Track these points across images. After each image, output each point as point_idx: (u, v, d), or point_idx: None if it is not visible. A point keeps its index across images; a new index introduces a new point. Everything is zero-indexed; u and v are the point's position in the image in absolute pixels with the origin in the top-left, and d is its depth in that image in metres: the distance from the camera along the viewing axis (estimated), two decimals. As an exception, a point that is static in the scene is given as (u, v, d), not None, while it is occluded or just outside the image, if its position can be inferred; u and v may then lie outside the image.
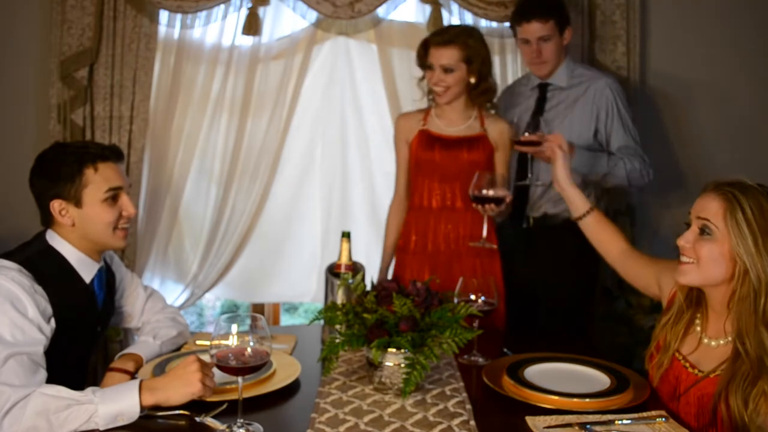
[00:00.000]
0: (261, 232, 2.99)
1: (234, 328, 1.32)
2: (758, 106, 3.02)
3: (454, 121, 2.31)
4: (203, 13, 2.83)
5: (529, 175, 2.29)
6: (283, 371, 1.60)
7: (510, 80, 2.83)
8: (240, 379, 1.34)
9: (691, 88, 2.99)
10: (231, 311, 3.66)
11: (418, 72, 2.36)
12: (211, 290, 3.00)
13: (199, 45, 2.87)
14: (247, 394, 1.44)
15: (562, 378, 1.58)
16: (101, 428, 1.31)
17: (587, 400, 1.45)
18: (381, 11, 2.86)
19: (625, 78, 2.83)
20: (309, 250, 3.08)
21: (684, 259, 1.48)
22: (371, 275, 2.34)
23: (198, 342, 1.87)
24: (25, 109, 2.93)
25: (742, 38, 2.98)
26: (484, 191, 2.03)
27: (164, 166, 2.89)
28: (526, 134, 2.03)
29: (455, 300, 1.65)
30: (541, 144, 2.02)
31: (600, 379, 1.58)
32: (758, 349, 1.36)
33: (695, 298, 1.54)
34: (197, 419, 1.36)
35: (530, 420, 1.37)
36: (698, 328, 1.52)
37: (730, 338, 1.44)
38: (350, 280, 1.67)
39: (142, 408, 1.34)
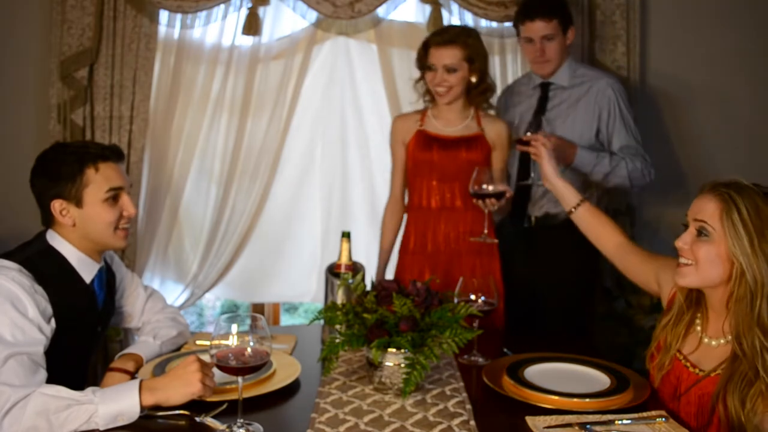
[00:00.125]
0: (261, 232, 3.00)
1: (234, 328, 1.32)
2: (758, 106, 3.02)
3: (452, 121, 2.31)
4: (203, 13, 2.83)
5: (532, 175, 2.29)
6: (283, 371, 1.60)
7: (510, 80, 2.83)
8: (240, 379, 1.34)
9: (691, 88, 3.00)
10: (231, 311, 3.66)
11: (418, 72, 2.36)
12: (211, 290, 3.00)
13: (199, 45, 2.87)
14: (247, 394, 1.44)
15: (562, 378, 1.58)
16: (101, 428, 1.31)
17: (587, 400, 1.45)
18: (381, 11, 2.86)
19: (625, 78, 2.83)
20: (309, 250, 3.08)
21: (682, 260, 1.48)
22: (371, 275, 2.35)
23: (198, 342, 1.87)
24: (25, 109, 2.93)
25: (742, 38, 2.98)
26: (484, 186, 2.03)
27: (164, 166, 2.90)
28: (528, 134, 2.05)
29: (455, 300, 1.65)
30: None
31: (600, 379, 1.58)
32: (754, 350, 1.36)
33: (695, 299, 1.54)
34: (197, 419, 1.36)
35: (530, 420, 1.37)
36: (698, 328, 1.53)
37: (730, 338, 1.44)
38: (350, 280, 1.67)
39: (142, 408, 1.34)
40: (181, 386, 1.37)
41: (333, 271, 1.91)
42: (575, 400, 1.44)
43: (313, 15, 2.85)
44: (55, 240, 1.62)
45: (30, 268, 1.51)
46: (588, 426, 1.33)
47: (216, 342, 1.33)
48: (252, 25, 2.83)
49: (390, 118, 2.84)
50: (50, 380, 1.39)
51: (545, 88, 2.46)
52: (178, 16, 2.82)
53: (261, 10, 2.85)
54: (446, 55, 2.20)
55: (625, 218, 2.87)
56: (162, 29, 2.85)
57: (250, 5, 2.83)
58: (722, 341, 1.47)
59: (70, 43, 2.77)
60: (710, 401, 1.41)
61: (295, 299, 3.42)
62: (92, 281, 1.66)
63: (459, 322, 1.50)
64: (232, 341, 1.33)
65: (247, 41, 2.87)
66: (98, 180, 1.60)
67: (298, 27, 2.89)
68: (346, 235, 1.93)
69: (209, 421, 1.35)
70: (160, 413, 1.37)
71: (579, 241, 1.91)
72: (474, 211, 2.25)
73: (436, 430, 1.34)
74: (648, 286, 1.73)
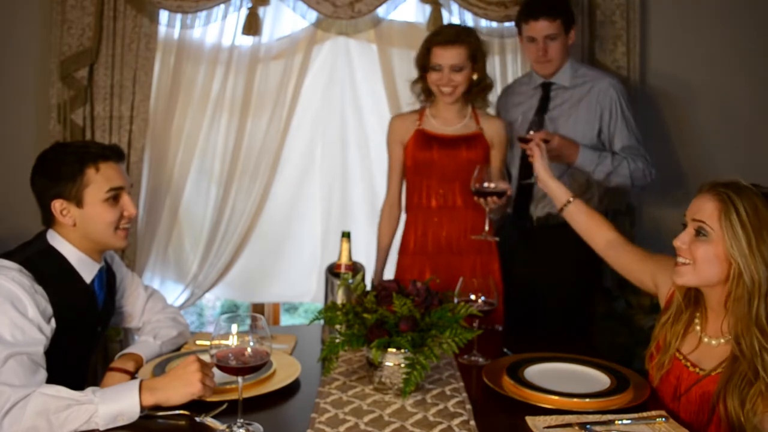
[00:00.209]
0: (261, 232, 3.00)
1: (234, 328, 1.32)
2: (758, 106, 3.02)
3: (450, 121, 2.31)
4: (203, 13, 2.83)
5: (534, 174, 2.29)
6: (283, 371, 1.60)
7: (510, 80, 2.83)
8: (240, 379, 1.34)
9: (691, 88, 3.00)
10: (231, 311, 3.66)
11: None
12: (211, 290, 3.00)
13: (199, 45, 2.87)
14: (247, 394, 1.44)
15: (562, 378, 1.58)
16: (101, 428, 1.31)
17: (587, 400, 1.45)
18: (381, 11, 2.86)
19: (625, 78, 2.83)
20: (309, 250, 3.08)
21: (680, 260, 1.48)
22: (370, 276, 2.35)
23: (198, 342, 1.87)
24: (25, 109, 2.93)
25: (742, 38, 2.98)
26: (486, 184, 2.04)
27: (164, 166, 2.89)
28: (531, 132, 2.05)
29: (455, 300, 1.65)
30: (548, 142, 2.06)
31: (600, 379, 1.58)
32: (753, 350, 1.36)
33: (693, 298, 1.54)
34: (197, 419, 1.36)
35: (530, 420, 1.37)
36: (698, 328, 1.53)
37: (729, 337, 1.44)
38: (350, 280, 1.67)
39: (142, 408, 1.34)
40: (181, 386, 1.37)
41: (333, 271, 1.91)
42: (575, 400, 1.44)
43: (313, 15, 2.85)
44: (56, 240, 1.62)
45: (30, 268, 1.51)
46: (588, 426, 1.33)
47: (216, 342, 1.33)
48: (252, 25, 2.83)
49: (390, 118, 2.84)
50: (50, 380, 1.39)
51: (546, 88, 2.46)
52: (178, 16, 2.82)
53: (261, 10, 2.85)
54: (452, 55, 2.21)
55: (625, 218, 2.87)
56: (162, 29, 2.85)
57: (250, 5, 2.83)
58: (722, 340, 1.47)
59: (70, 43, 2.77)
60: (710, 400, 1.41)
61: (295, 299, 3.42)
62: (92, 281, 1.66)
63: (459, 322, 1.50)
64: (232, 341, 1.33)
65: (247, 41, 2.87)
66: (99, 180, 1.60)
67: (298, 27, 2.89)
68: (346, 235, 1.93)
69: (209, 421, 1.35)
70: (160, 413, 1.37)
71: (580, 240, 1.91)
72: (474, 210, 2.26)
73: (436, 430, 1.34)
74: (643, 284, 1.73)
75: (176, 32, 2.85)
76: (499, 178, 2.06)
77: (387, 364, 1.50)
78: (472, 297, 1.74)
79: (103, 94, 2.81)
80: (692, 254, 1.45)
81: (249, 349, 1.33)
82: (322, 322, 1.59)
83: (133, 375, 1.60)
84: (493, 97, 2.46)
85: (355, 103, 2.99)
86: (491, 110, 2.46)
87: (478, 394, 1.55)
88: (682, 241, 1.47)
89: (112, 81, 2.81)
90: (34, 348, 1.42)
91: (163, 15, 2.83)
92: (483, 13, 2.81)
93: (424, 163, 2.30)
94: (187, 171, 2.92)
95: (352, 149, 3.02)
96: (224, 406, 1.41)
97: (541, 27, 2.33)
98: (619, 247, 1.78)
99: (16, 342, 1.38)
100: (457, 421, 1.38)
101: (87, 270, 1.64)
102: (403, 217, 2.42)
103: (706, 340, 1.50)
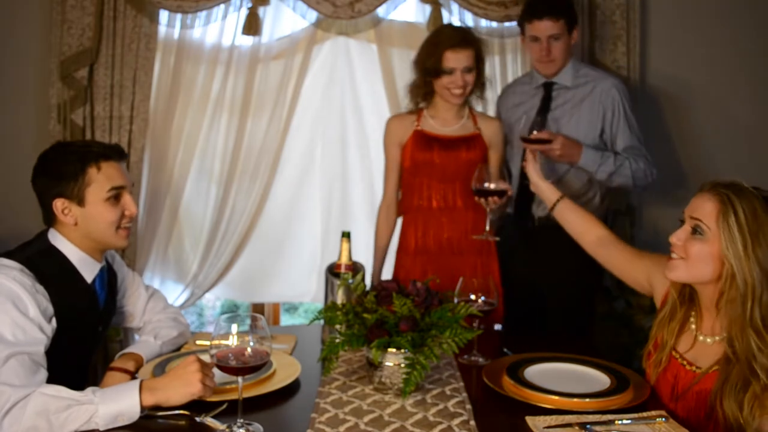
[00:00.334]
0: (261, 232, 3.00)
1: (234, 328, 1.33)
2: (758, 106, 3.02)
3: (449, 121, 2.32)
4: (203, 13, 2.83)
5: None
6: (283, 371, 1.60)
7: (510, 80, 2.83)
8: (240, 379, 1.34)
9: (691, 88, 3.00)
10: (231, 311, 3.66)
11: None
12: (211, 290, 3.00)
13: (199, 45, 2.87)
14: (247, 394, 1.44)
15: (562, 378, 1.58)
16: (101, 428, 1.31)
17: (587, 400, 1.45)
18: (381, 11, 2.86)
19: (625, 78, 2.83)
20: (309, 250, 3.08)
21: (674, 255, 1.49)
22: (370, 276, 2.35)
23: (198, 342, 1.87)
24: (25, 109, 2.93)
25: (742, 38, 2.98)
26: (486, 184, 2.04)
27: (164, 166, 2.89)
28: (534, 132, 2.06)
29: (455, 300, 1.65)
30: (551, 141, 2.06)
31: (600, 379, 1.58)
32: (747, 352, 1.36)
33: (688, 295, 1.55)
34: (197, 419, 1.36)
35: (530, 420, 1.37)
36: (693, 326, 1.53)
37: (724, 335, 1.44)
38: (350, 280, 1.67)
39: (143, 408, 1.35)
40: (181, 386, 1.37)
41: (333, 271, 1.91)
42: (575, 400, 1.45)
43: (313, 15, 2.84)
44: (57, 239, 1.62)
45: (31, 268, 1.51)
46: (588, 426, 1.33)
47: (216, 342, 1.33)
48: (252, 25, 2.83)
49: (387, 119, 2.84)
50: (51, 380, 1.39)
51: (548, 87, 2.46)
52: (178, 16, 2.82)
53: (261, 10, 2.84)
54: (465, 57, 2.21)
55: (625, 218, 2.87)
56: (162, 29, 2.85)
57: (250, 5, 2.83)
58: (717, 338, 1.47)
59: (70, 43, 2.77)
60: (708, 398, 1.42)
61: (295, 299, 3.42)
62: (93, 281, 1.66)
63: (459, 322, 1.50)
64: (232, 341, 1.33)
65: (247, 41, 2.87)
66: (100, 179, 1.60)
67: (298, 27, 2.89)
68: (346, 235, 1.93)
69: (209, 421, 1.36)
70: (160, 413, 1.37)
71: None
72: (475, 211, 2.26)
73: (436, 430, 1.34)
74: (637, 283, 1.73)
75: (176, 32, 2.85)
76: (498, 178, 2.07)
77: (387, 364, 1.50)
78: (472, 297, 1.74)
79: (103, 94, 2.81)
80: (686, 251, 1.45)
81: (249, 349, 1.33)
82: (322, 322, 1.59)
83: (133, 375, 1.60)
84: (492, 97, 2.46)
85: (355, 103, 2.99)
86: (483, 107, 2.46)
87: (478, 394, 1.55)
88: (677, 238, 1.48)
89: (112, 81, 2.81)
90: (35, 348, 1.42)
91: (163, 15, 2.83)
92: (483, 13, 2.81)
93: (424, 164, 2.30)
94: (187, 171, 2.92)
95: (352, 149, 3.02)
96: (224, 406, 1.41)
97: (545, 27, 2.33)
98: (611, 245, 1.79)
99: (17, 341, 1.38)
100: (457, 421, 1.38)
101: (88, 269, 1.64)
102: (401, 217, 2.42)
103: (701, 338, 1.51)
